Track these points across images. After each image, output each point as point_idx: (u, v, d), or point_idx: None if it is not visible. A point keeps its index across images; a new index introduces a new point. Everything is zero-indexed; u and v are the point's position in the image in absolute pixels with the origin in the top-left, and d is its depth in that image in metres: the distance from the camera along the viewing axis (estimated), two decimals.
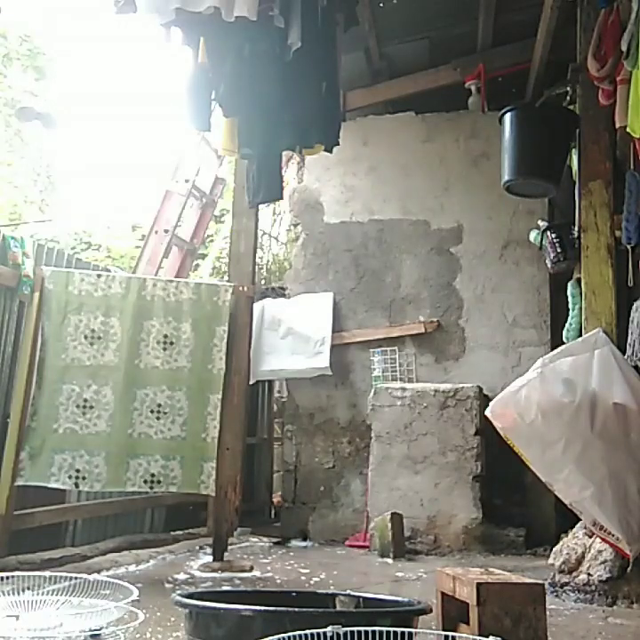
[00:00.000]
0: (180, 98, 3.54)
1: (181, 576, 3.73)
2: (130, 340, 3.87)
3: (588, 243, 3.64)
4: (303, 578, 3.88)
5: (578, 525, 3.41)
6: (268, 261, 7.68)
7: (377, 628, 1.30)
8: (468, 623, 1.95)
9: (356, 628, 1.29)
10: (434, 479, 4.89)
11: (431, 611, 1.73)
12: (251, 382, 4.97)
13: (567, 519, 3.72)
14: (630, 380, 3.23)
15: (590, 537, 3.27)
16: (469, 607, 1.95)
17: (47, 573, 1.95)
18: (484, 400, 4.74)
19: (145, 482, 3.80)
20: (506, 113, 4.10)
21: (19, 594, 1.86)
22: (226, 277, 5.22)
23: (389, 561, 4.43)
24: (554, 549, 3.46)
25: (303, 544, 5.31)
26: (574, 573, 3.24)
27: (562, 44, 4.47)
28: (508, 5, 4.86)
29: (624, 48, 2.87)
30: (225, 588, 3.47)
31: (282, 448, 6.05)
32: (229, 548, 4.20)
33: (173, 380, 3.91)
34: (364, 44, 5.22)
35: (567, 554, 3.30)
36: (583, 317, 3.62)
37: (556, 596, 3.19)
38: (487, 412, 3.50)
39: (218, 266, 8.13)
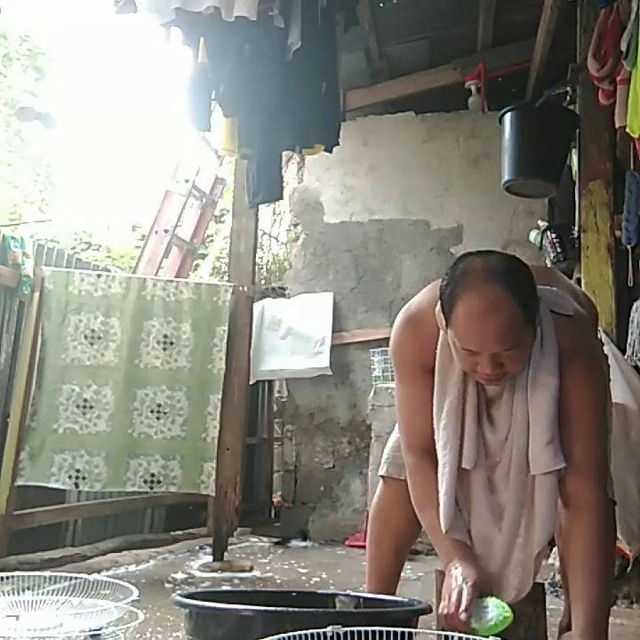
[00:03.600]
0: (180, 98, 3.54)
1: (181, 576, 3.73)
2: (130, 340, 3.86)
3: (588, 243, 3.64)
4: (303, 578, 3.88)
5: None
6: (268, 261, 7.67)
7: (377, 628, 1.30)
8: None
9: (356, 628, 1.29)
10: None
11: (431, 611, 1.73)
12: (251, 382, 4.97)
13: None
14: (630, 379, 3.22)
15: None
16: None
17: (47, 573, 1.95)
18: None
19: (145, 482, 3.80)
20: (506, 113, 4.09)
21: (19, 594, 1.86)
22: (226, 277, 5.22)
23: None
24: (554, 549, 3.46)
25: (303, 544, 5.31)
26: None
27: (562, 44, 4.47)
28: (508, 5, 4.85)
29: (623, 48, 2.87)
30: (225, 588, 3.47)
31: (282, 448, 6.05)
32: (229, 547, 4.19)
33: (173, 379, 3.91)
34: (364, 43, 5.21)
35: None
36: None
37: (556, 596, 3.18)
38: None
39: (218, 266, 8.13)
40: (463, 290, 1.65)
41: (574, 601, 1.73)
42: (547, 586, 2.09)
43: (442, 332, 1.80)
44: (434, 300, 1.80)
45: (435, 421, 1.82)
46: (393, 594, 2.11)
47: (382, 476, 2.15)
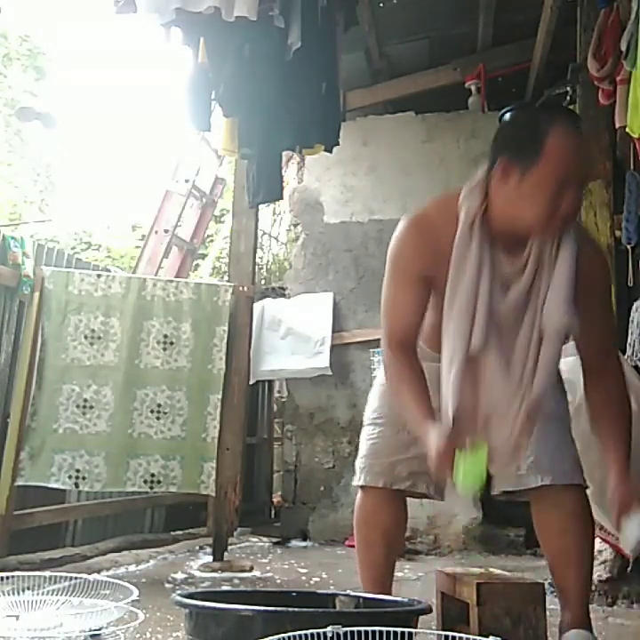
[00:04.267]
0: (180, 98, 3.55)
1: (181, 576, 3.73)
2: (130, 339, 3.86)
3: None
4: (303, 578, 3.88)
5: None
6: (268, 261, 7.68)
7: (377, 628, 1.30)
8: (467, 623, 1.95)
9: (356, 628, 1.29)
10: None
11: (431, 611, 1.73)
12: (251, 382, 4.97)
13: None
14: (630, 380, 3.22)
15: None
16: (469, 607, 1.95)
17: (47, 573, 1.95)
18: None
19: (145, 482, 3.80)
20: (506, 113, 4.09)
21: (19, 594, 1.86)
22: (226, 277, 5.22)
23: None
24: None
25: (303, 544, 5.31)
26: None
27: (562, 44, 4.47)
28: (508, 5, 4.85)
29: (623, 48, 2.87)
30: (225, 587, 3.47)
31: (282, 448, 6.05)
32: (229, 547, 4.19)
33: (173, 379, 3.91)
34: (364, 43, 5.22)
35: None
36: None
37: (556, 596, 3.18)
38: None
39: (218, 266, 8.13)
40: (549, 123, 1.75)
41: (609, 441, 1.93)
42: (546, 586, 2.09)
43: (461, 216, 1.84)
44: (440, 205, 1.96)
45: (446, 307, 1.85)
46: (389, 595, 2.11)
47: (361, 486, 2.14)
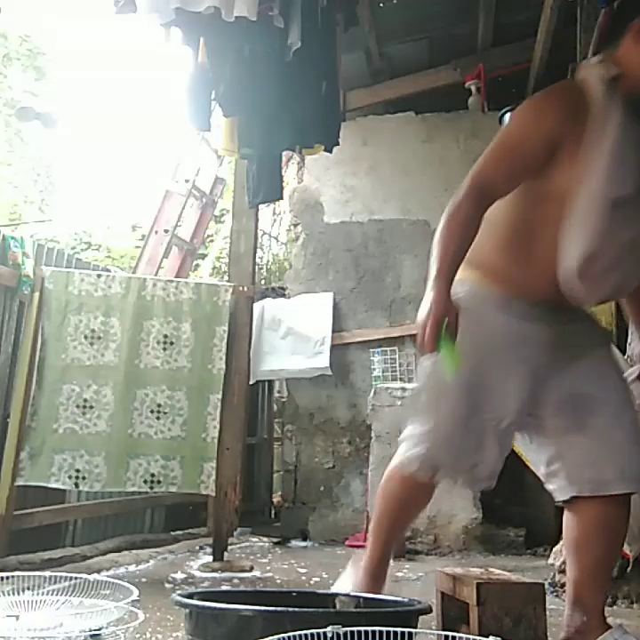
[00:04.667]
0: (181, 98, 3.55)
1: (181, 576, 3.73)
2: (130, 339, 3.86)
3: None
4: (303, 578, 3.87)
5: None
6: (268, 261, 7.68)
7: (377, 628, 1.30)
8: (467, 623, 1.95)
9: (356, 628, 1.29)
10: None
11: (431, 611, 1.73)
12: (251, 382, 4.97)
13: None
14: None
15: None
16: (469, 607, 1.95)
17: (47, 573, 1.95)
18: None
19: (145, 482, 3.80)
20: (506, 113, 4.09)
21: (19, 594, 1.86)
22: (226, 277, 5.22)
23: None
24: (554, 549, 3.46)
25: (303, 544, 5.31)
26: None
27: (562, 44, 4.47)
28: (508, 5, 4.86)
29: None
30: (225, 587, 3.47)
31: (282, 448, 6.05)
32: (229, 547, 4.19)
33: (173, 379, 3.91)
34: (364, 43, 5.22)
35: None
36: None
37: (556, 596, 3.18)
38: None
39: (218, 266, 8.13)
40: None
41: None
42: (547, 586, 2.09)
43: (597, 84, 1.92)
44: (565, 83, 2.10)
45: (587, 159, 1.87)
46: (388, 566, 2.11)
47: (411, 472, 2.00)
